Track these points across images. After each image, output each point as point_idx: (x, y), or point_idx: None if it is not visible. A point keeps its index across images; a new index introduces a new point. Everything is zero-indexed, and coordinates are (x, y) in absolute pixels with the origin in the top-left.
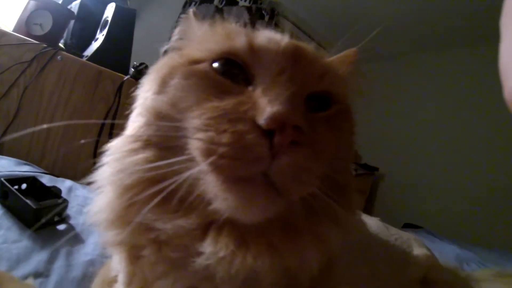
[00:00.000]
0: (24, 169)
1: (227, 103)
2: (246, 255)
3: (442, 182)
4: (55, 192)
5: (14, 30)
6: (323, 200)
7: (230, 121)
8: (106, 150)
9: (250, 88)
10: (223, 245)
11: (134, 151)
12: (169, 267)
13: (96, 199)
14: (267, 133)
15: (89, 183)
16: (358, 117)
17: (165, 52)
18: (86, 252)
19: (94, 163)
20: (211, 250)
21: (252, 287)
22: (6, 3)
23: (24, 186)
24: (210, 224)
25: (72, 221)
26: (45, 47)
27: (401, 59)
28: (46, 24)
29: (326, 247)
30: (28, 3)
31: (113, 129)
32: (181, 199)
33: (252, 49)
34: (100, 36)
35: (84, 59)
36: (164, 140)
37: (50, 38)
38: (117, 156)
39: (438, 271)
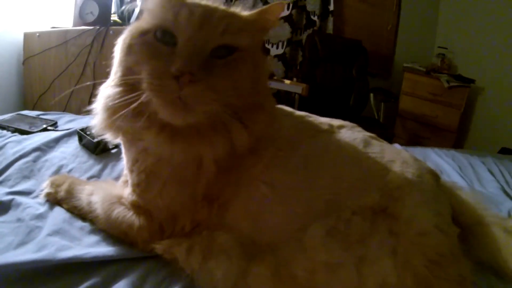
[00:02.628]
0: None
1: (160, 62)
2: (171, 144)
3: None
4: None
5: (74, 24)
6: (224, 118)
7: (160, 72)
8: (99, 92)
9: (175, 50)
10: (161, 137)
11: (114, 88)
12: (129, 146)
13: (94, 118)
14: (176, 77)
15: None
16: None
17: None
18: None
19: None
20: (153, 139)
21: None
22: (59, 8)
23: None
24: (156, 125)
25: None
26: (98, 29)
27: None
28: (94, 10)
29: (214, 148)
30: (75, 1)
31: None
32: (141, 113)
33: (176, 21)
34: (139, 2)
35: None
36: (131, 83)
37: (102, 20)
38: (105, 93)
39: (405, 204)
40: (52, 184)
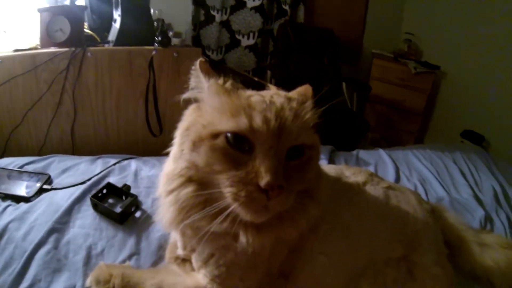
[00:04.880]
0: (98, 165)
1: (241, 172)
2: (260, 236)
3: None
4: (125, 190)
5: (42, 45)
6: (297, 203)
7: (245, 184)
8: (161, 178)
9: (252, 156)
10: (249, 234)
11: (183, 185)
12: (199, 241)
13: (161, 212)
14: (264, 190)
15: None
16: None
17: (184, 100)
18: (157, 229)
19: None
20: (244, 239)
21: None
22: (21, 24)
23: (104, 191)
24: (238, 223)
25: (144, 206)
26: (74, 51)
27: None
28: (65, 27)
29: (298, 225)
30: (40, 16)
31: (156, 101)
32: (217, 213)
33: (252, 129)
34: (117, 16)
35: (111, 45)
36: (200, 179)
37: (75, 38)
38: (172, 187)
39: (420, 253)
40: (98, 283)
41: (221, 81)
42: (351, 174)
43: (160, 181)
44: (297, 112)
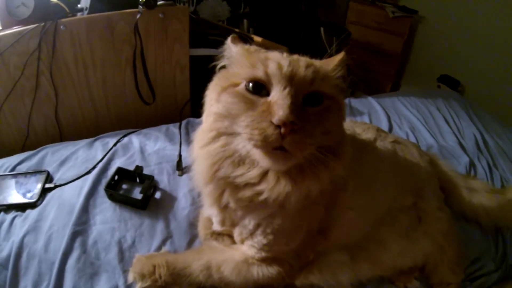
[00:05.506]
0: (98, 148)
1: (257, 112)
2: (280, 185)
3: (486, 38)
4: (139, 172)
5: (2, 25)
6: (319, 156)
7: (259, 122)
8: (196, 137)
9: (268, 99)
10: (271, 181)
11: (213, 139)
12: (244, 213)
13: (194, 167)
14: (278, 126)
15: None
16: None
17: (221, 67)
18: (182, 206)
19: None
20: (265, 185)
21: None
22: None
23: (116, 177)
24: (263, 173)
25: (161, 185)
26: (43, 26)
27: None
28: (27, 0)
29: (320, 180)
30: None
31: (146, 67)
32: (243, 161)
33: (267, 74)
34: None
35: (85, 13)
36: (227, 130)
37: (41, 12)
38: (204, 142)
39: (426, 199)
40: (143, 277)
41: (247, 46)
42: (362, 131)
43: (194, 139)
44: (311, 62)
